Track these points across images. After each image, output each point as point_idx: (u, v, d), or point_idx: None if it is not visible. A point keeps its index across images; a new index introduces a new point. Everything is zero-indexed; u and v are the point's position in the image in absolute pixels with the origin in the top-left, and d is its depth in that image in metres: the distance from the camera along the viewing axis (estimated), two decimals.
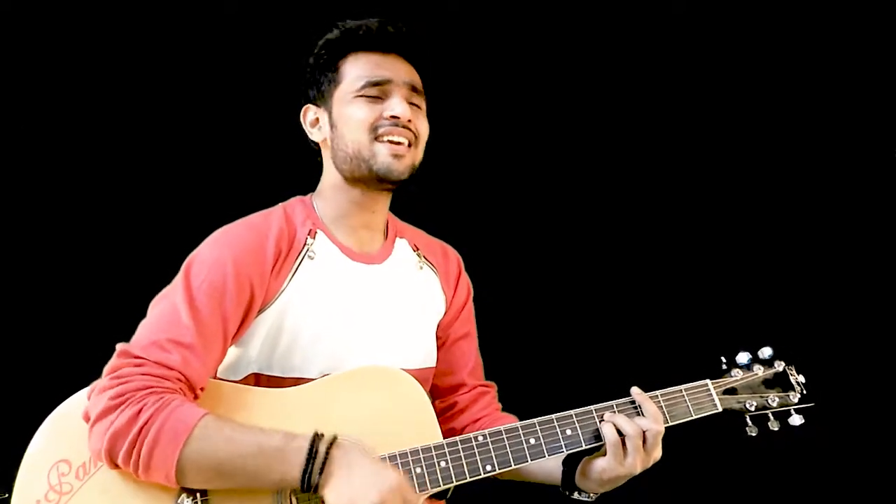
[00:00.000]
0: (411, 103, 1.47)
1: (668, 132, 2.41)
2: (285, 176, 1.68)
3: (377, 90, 1.45)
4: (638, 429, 1.34)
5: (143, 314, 1.34)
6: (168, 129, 2.25)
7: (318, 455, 1.21)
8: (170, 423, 1.19)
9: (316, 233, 1.47)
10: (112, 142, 2.24)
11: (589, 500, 1.44)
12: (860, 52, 2.32)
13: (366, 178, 1.46)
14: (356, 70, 1.47)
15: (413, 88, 1.48)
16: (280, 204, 1.52)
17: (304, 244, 1.45)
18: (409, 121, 1.44)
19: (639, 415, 1.38)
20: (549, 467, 1.46)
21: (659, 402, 1.41)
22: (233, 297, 1.33)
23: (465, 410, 1.61)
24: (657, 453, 1.37)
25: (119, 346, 1.28)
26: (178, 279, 1.35)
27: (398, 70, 1.47)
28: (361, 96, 1.45)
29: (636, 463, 1.34)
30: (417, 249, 1.61)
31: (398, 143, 1.44)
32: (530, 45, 2.38)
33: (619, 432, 1.34)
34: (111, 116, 2.23)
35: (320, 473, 1.21)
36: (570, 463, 1.43)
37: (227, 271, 1.34)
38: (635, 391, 1.41)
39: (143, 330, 1.31)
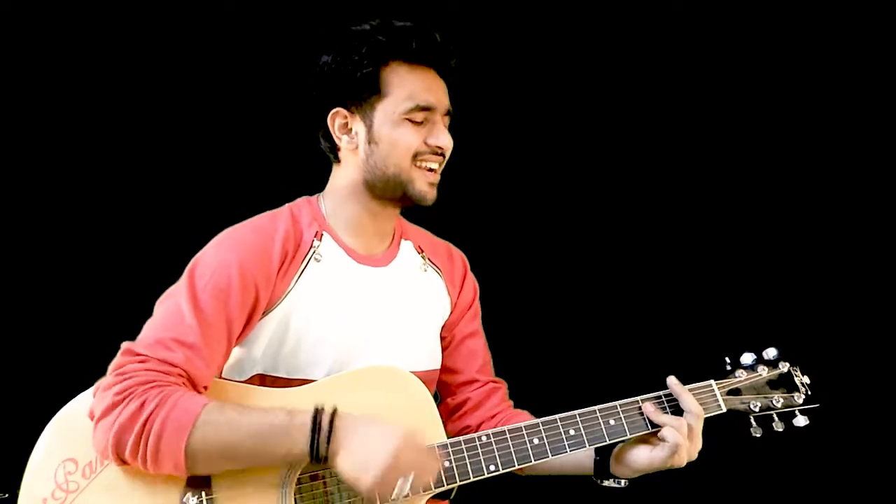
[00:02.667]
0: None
1: (675, 133, 2.40)
2: (291, 176, 1.68)
3: (423, 114, 1.44)
4: (685, 426, 1.37)
5: (148, 314, 1.34)
6: (174, 130, 2.26)
7: (321, 428, 1.22)
8: (174, 413, 1.20)
9: (322, 235, 1.47)
10: (118, 141, 2.24)
11: (620, 486, 1.45)
12: (862, 52, 2.32)
13: (394, 197, 1.47)
14: (404, 88, 1.43)
15: (447, 112, 1.49)
16: (286, 205, 1.52)
17: (311, 246, 1.45)
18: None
19: (675, 409, 1.41)
20: (578, 458, 1.46)
21: (663, 402, 1.42)
22: (237, 299, 1.34)
23: (479, 407, 1.61)
24: (699, 442, 1.40)
25: (124, 345, 1.29)
26: (183, 280, 1.36)
27: (441, 95, 1.47)
28: (408, 119, 1.43)
29: (684, 457, 1.37)
30: (422, 251, 1.61)
31: (433, 171, 1.46)
32: (530, 46, 2.38)
33: (680, 435, 1.36)
34: (117, 117, 2.24)
35: (328, 444, 1.22)
36: (604, 451, 1.44)
37: (232, 273, 1.34)
38: (672, 381, 1.43)
39: (148, 329, 1.32)
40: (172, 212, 2.21)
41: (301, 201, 1.53)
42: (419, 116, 1.43)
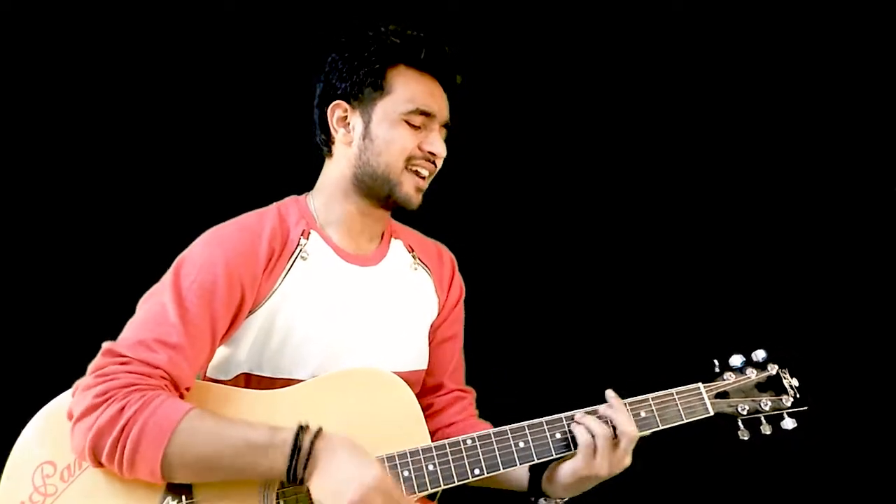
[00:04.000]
0: None
1: (661, 135, 2.40)
2: (279, 175, 1.67)
3: (422, 119, 1.44)
4: (608, 430, 1.34)
5: (130, 313, 1.33)
6: (161, 128, 2.25)
7: (301, 449, 1.20)
8: (154, 418, 1.19)
9: (309, 233, 1.46)
10: (104, 140, 2.23)
11: None
12: (862, 55, 2.31)
13: (380, 197, 1.46)
14: (407, 90, 1.44)
15: (446, 125, 1.50)
16: (274, 203, 1.51)
17: (298, 244, 1.44)
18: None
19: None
20: (517, 474, 1.45)
21: (650, 405, 1.41)
22: (222, 298, 1.33)
23: (440, 413, 1.60)
24: (627, 458, 1.36)
25: (105, 345, 1.27)
26: (168, 278, 1.34)
27: (442, 106, 1.48)
28: (407, 121, 1.44)
29: (604, 464, 1.33)
30: (412, 251, 1.60)
31: (423, 177, 1.46)
32: (528, 46, 2.38)
33: (591, 434, 1.34)
34: (104, 115, 2.23)
35: (305, 467, 1.20)
36: (538, 468, 1.42)
37: (218, 272, 1.33)
38: (610, 394, 1.40)
39: (130, 329, 1.30)
40: (158, 210, 2.20)
41: (289, 200, 1.52)
42: (418, 120, 1.44)
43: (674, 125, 2.39)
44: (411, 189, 1.46)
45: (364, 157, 1.45)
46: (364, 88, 1.45)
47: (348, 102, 1.46)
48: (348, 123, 1.47)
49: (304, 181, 1.56)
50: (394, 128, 1.43)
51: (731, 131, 2.37)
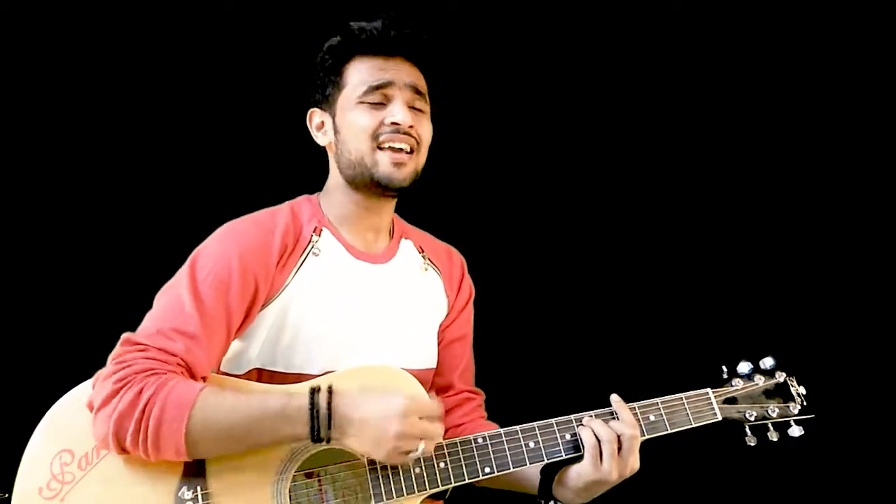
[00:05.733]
0: (413, 107, 1.47)
1: (672, 144, 2.40)
2: (293, 175, 1.68)
3: (378, 95, 1.45)
4: (613, 434, 1.34)
5: (146, 309, 1.35)
6: (177, 125, 2.26)
7: (320, 411, 1.22)
8: (172, 397, 1.21)
9: (321, 230, 1.48)
10: (122, 137, 2.25)
11: None
12: (863, 54, 2.32)
13: (368, 185, 1.47)
14: (359, 75, 1.46)
15: (416, 91, 1.48)
16: (287, 202, 1.53)
17: (310, 241, 1.46)
18: (411, 126, 1.44)
19: (615, 420, 1.38)
20: (528, 475, 1.45)
21: (659, 408, 1.42)
22: (237, 291, 1.35)
23: (449, 413, 1.60)
24: (633, 461, 1.35)
25: (124, 336, 1.29)
26: (184, 271, 1.36)
27: (400, 73, 1.47)
28: (363, 102, 1.45)
29: (612, 469, 1.33)
30: (422, 251, 1.62)
31: (399, 151, 1.44)
32: (530, 46, 2.39)
33: (597, 437, 1.34)
34: (122, 112, 2.25)
35: (329, 427, 1.22)
36: (548, 471, 1.42)
37: (233, 265, 1.35)
38: (614, 398, 1.40)
39: (148, 320, 1.32)
40: (174, 207, 2.22)
41: (301, 199, 1.55)
42: (374, 97, 1.45)
43: (683, 134, 2.39)
44: (388, 167, 1.44)
45: (339, 151, 1.48)
46: (326, 90, 1.50)
47: (319, 108, 1.52)
48: (323, 125, 1.52)
49: (317, 181, 1.58)
50: (352, 112, 1.46)
51: (739, 140, 2.38)
